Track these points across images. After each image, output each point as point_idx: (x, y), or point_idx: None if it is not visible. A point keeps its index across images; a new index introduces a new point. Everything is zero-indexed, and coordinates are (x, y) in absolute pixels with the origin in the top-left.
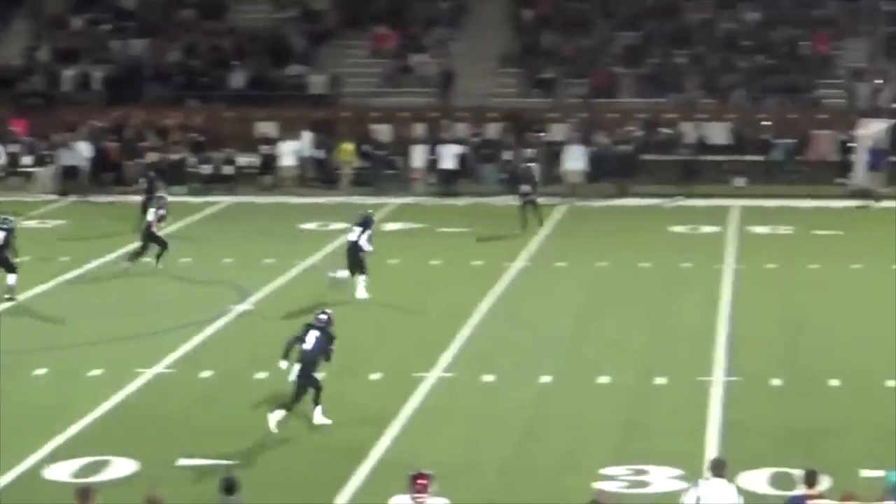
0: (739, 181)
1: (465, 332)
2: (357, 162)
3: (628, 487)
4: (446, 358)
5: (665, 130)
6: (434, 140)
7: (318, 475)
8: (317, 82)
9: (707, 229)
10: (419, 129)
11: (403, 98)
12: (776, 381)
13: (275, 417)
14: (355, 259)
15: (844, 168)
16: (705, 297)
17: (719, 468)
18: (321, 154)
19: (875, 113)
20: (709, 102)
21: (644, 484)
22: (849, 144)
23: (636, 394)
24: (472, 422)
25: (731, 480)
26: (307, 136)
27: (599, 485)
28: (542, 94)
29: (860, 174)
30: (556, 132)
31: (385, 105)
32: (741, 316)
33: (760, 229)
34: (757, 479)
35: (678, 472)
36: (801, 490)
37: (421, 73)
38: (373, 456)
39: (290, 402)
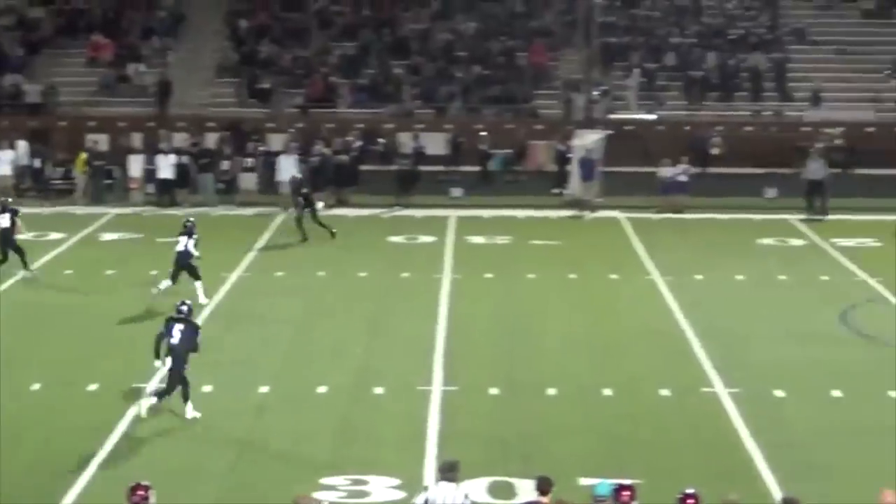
0: (457, 191)
1: None
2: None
3: (347, 497)
4: (164, 369)
5: (382, 140)
6: (152, 149)
7: (37, 486)
8: (32, 91)
9: (425, 239)
10: (137, 138)
11: (121, 108)
12: (494, 391)
13: (146, 403)
14: (187, 266)
15: (560, 178)
16: (424, 306)
17: (448, 471)
18: (37, 163)
19: (590, 124)
20: (426, 113)
21: (363, 494)
22: (567, 155)
23: (355, 403)
24: (191, 432)
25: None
26: (22, 146)
27: (318, 494)
28: (260, 104)
29: (575, 185)
30: (275, 142)
31: (102, 114)
32: (459, 326)
33: (478, 239)
34: (476, 488)
35: (397, 481)
36: (524, 498)
37: (138, 83)
38: (92, 466)
39: (164, 392)
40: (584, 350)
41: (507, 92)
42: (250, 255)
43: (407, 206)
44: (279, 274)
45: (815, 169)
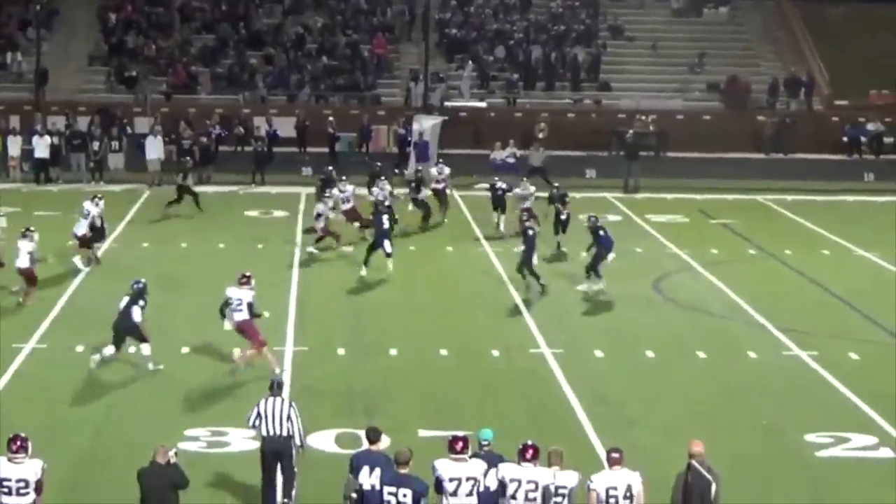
0: (307, 170)
1: (59, 305)
2: None
3: (208, 447)
4: (41, 330)
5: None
6: (29, 131)
7: None
8: None
9: (278, 214)
10: (15, 121)
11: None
12: (341, 351)
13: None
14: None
15: (401, 159)
16: (277, 274)
17: (277, 388)
18: None
19: (428, 110)
20: (278, 99)
21: (224, 444)
22: (408, 139)
23: (215, 362)
24: (65, 388)
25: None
26: None
27: (182, 445)
28: (128, 90)
29: (412, 165)
30: (141, 125)
31: None
32: (309, 292)
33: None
34: (325, 439)
35: (253, 433)
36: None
37: (16, 70)
38: None
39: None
40: (423, 314)
41: (352, 81)
42: (119, 228)
43: (262, 184)
44: (145, 245)
45: (535, 157)
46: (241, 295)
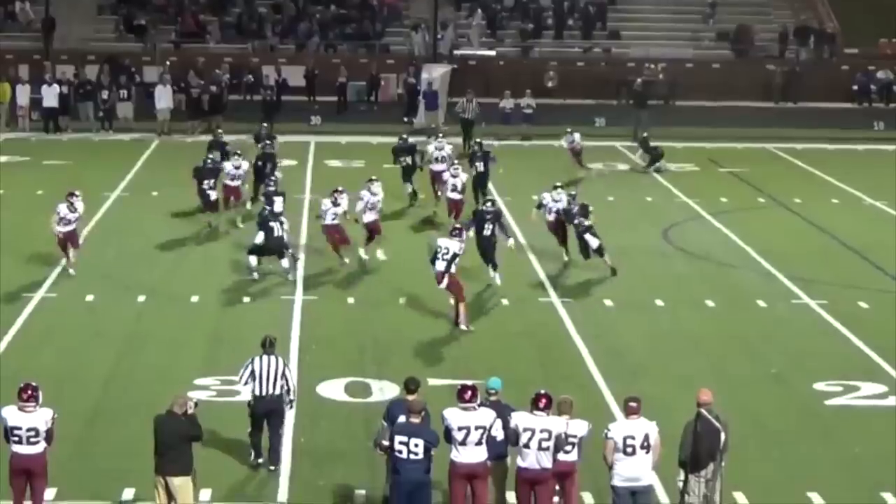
0: (316, 119)
1: (69, 255)
2: None
3: (218, 396)
4: (51, 279)
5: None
6: (38, 80)
7: None
8: None
9: (288, 163)
10: (23, 70)
11: (8, 42)
12: (350, 300)
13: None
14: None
15: (410, 108)
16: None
17: (269, 346)
18: None
19: (436, 59)
20: (287, 48)
21: (233, 393)
22: (418, 88)
23: (224, 311)
24: (75, 338)
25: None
26: None
27: (192, 393)
28: (136, 39)
29: (421, 114)
30: (150, 74)
31: None
32: (318, 241)
33: (335, 163)
34: (335, 388)
35: None
36: (379, 397)
37: (24, 20)
38: None
39: None
40: (423, 267)
41: (361, 30)
42: (128, 177)
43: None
44: (154, 194)
45: (468, 109)
46: (448, 244)
